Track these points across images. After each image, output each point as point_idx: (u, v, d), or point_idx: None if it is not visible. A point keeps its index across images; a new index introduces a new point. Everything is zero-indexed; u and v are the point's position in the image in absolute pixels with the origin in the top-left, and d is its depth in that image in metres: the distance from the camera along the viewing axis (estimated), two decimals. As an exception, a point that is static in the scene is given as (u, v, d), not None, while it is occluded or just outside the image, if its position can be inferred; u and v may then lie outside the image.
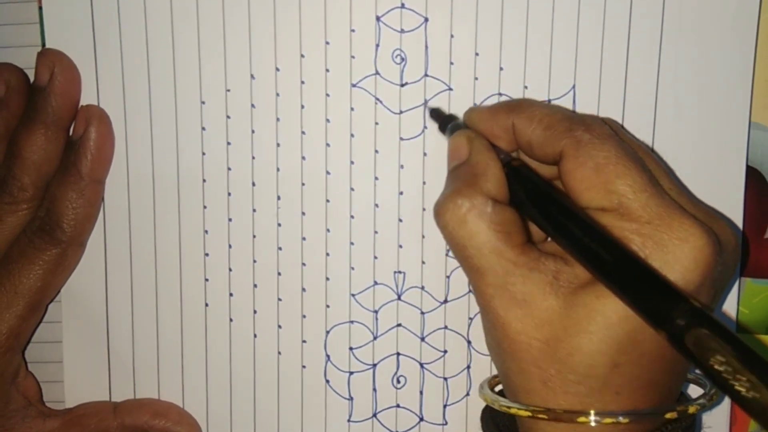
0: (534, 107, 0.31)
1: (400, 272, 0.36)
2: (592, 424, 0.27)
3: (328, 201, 0.36)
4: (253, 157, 0.36)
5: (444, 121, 0.34)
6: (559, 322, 0.27)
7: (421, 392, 0.37)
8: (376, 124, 0.35)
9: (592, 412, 0.27)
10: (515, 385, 0.29)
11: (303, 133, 0.36)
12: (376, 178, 0.36)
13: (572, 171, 0.28)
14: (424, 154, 0.35)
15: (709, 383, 0.30)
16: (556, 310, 0.27)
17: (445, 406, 0.37)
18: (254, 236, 0.36)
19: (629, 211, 0.27)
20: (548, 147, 0.29)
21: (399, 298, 0.36)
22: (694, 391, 0.32)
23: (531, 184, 0.30)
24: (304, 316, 0.37)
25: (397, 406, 0.37)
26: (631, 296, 0.25)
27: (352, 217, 0.36)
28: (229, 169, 0.36)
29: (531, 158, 0.31)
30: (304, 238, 0.36)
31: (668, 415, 0.27)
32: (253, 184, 0.36)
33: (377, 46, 0.35)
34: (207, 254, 0.36)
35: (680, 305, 0.24)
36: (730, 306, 0.36)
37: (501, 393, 0.31)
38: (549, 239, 0.30)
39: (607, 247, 0.26)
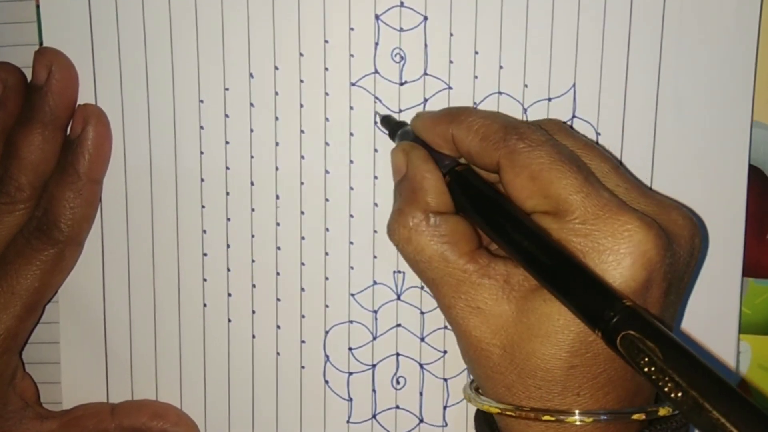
0: (471, 117, 0.30)
1: (399, 272, 0.36)
2: (577, 422, 0.27)
3: (327, 200, 0.36)
4: (252, 156, 0.36)
5: (394, 128, 0.34)
6: (514, 328, 0.28)
7: (420, 393, 0.37)
8: (376, 123, 0.35)
9: (577, 411, 0.27)
10: (485, 390, 0.29)
11: (302, 132, 0.35)
12: (376, 177, 0.35)
13: (510, 181, 0.28)
14: (424, 153, 0.35)
15: None
16: (509, 315, 0.28)
17: (445, 408, 0.37)
18: (253, 236, 0.36)
19: (567, 213, 0.27)
20: (486, 158, 0.29)
21: (398, 298, 0.36)
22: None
23: (473, 190, 0.30)
24: (303, 316, 0.36)
25: (397, 407, 0.37)
26: (568, 298, 0.26)
27: (351, 216, 0.36)
28: (227, 168, 0.36)
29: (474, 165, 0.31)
30: (303, 238, 0.36)
31: (635, 417, 0.27)
32: (252, 184, 0.36)
33: (376, 44, 0.35)
34: (205, 254, 0.36)
35: (612, 306, 0.24)
36: (732, 307, 0.36)
37: None
38: None
39: (544, 249, 0.26)
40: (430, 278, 0.30)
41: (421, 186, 0.30)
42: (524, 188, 0.28)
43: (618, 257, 0.26)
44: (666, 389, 0.22)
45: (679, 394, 0.22)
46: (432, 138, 0.32)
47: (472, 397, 0.30)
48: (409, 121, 0.34)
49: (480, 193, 0.30)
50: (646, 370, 0.23)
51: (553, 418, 0.27)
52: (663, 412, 0.28)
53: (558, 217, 0.27)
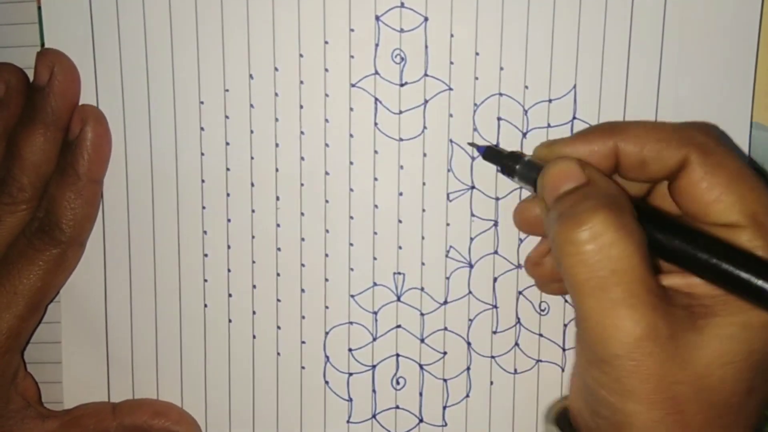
0: (638, 125, 0.29)
1: (399, 273, 0.36)
2: None
3: (327, 201, 0.36)
4: (252, 158, 0.36)
5: (508, 161, 0.32)
6: (699, 360, 0.26)
7: (420, 393, 0.37)
8: (376, 124, 0.35)
9: None
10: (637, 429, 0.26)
11: (302, 133, 0.35)
12: (376, 179, 0.35)
13: (699, 181, 0.27)
14: (424, 155, 0.35)
15: None
16: (696, 345, 0.26)
17: (444, 408, 0.37)
18: (253, 237, 0.36)
19: (764, 227, 0.26)
20: (666, 159, 0.27)
21: (398, 299, 0.36)
22: None
23: (657, 219, 0.28)
24: (303, 317, 0.36)
25: (397, 407, 0.37)
26: None
27: (351, 217, 0.36)
28: (228, 169, 0.36)
29: (631, 180, 0.30)
30: (303, 239, 0.36)
31: None
32: (252, 185, 0.36)
33: (377, 45, 0.35)
34: (206, 255, 0.36)
35: None
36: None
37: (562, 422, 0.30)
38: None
39: (759, 271, 0.25)
40: (620, 297, 0.25)
41: (623, 194, 0.28)
42: (717, 190, 0.26)
43: None
44: None
45: None
46: (585, 156, 0.29)
47: None
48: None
49: (666, 221, 0.27)
50: None
51: None
52: None
53: (754, 231, 0.26)
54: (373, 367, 0.37)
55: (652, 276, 0.26)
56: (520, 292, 0.36)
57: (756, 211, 0.26)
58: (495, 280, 0.36)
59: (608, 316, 0.25)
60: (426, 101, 0.35)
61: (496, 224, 0.36)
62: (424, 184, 0.35)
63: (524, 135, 0.35)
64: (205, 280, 0.36)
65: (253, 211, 0.36)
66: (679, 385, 0.25)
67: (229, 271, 0.36)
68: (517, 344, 0.36)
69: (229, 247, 0.36)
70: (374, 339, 0.36)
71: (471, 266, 0.36)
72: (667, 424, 0.26)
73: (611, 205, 0.26)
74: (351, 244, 0.36)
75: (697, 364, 0.26)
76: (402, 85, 0.35)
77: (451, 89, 0.35)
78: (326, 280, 0.36)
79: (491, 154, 0.33)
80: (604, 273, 0.25)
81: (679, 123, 0.29)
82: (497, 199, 0.35)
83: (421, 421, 0.37)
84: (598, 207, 0.26)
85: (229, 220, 0.36)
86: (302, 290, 0.36)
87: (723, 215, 0.26)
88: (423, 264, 0.36)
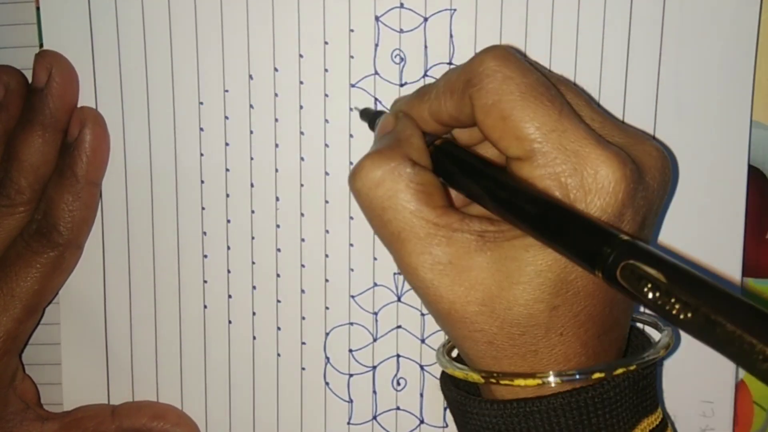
0: (435, 84, 0.30)
1: (400, 273, 0.36)
2: (552, 384, 0.27)
3: (327, 202, 0.36)
4: (252, 158, 0.36)
5: (373, 118, 0.33)
6: (491, 279, 0.27)
7: (421, 394, 0.37)
8: (358, 114, 0.35)
9: (550, 373, 0.27)
10: (464, 350, 0.29)
11: (302, 133, 0.35)
12: (376, 179, 0.35)
13: (481, 123, 0.27)
14: (424, 155, 0.35)
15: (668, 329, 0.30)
16: (484, 267, 0.27)
17: (445, 409, 0.37)
18: (253, 237, 0.36)
19: (543, 155, 0.26)
20: (465, 110, 0.28)
21: (399, 300, 0.36)
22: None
23: (453, 156, 0.29)
24: (303, 318, 0.36)
25: (398, 408, 0.37)
26: (562, 245, 0.25)
27: (351, 218, 0.36)
28: (227, 170, 0.36)
29: (465, 131, 0.31)
30: (303, 240, 0.36)
31: (595, 376, 0.27)
32: (252, 185, 0.36)
33: (376, 46, 0.35)
34: (206, 256, 0.36)
35: (608, 241, 0.23)
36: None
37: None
38: (471, 204, 0.30)
39: (530, 201, 0.26)
40: (395, 231, 0.27)
41: (408, 140, 0.29)
42: (496, 129, 0.27)
43: (599, 193, 0.26)
44: (674, 312, 0.21)
45: (689, 314, 0.21)
46: (417, 118, 0.31)
47: (445, 365, 0.29)
48: (387, 110, 0.34)
49: (459, 158, 0.29)
50: (650, 296, 0.22)
51: (536, 382, 0.27)
52: (620, 370, 0.27)
53: (535, 161, 0.26)
54: (374, 367, 0.37)
55: (431, 207, 0.27)
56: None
57: (531, 141, 0.26)
58: (495, 280, 0.36)
59: (392, 250, 0.28)
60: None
61: (496, 224, 0.36)
62: (424, 184, 0.35)
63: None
64: (205, 281, 0.36)
65: (252, 211, 0.36)
66: (471, 306, 0.27)
67: (228, 272, 0.36)
68: (517, 344, 0.36)
69: (228, 248, 0.36)
70: (375, 340, 0.36)
71: (471, 266, 0.36)
72: (473, 340, 0.27)
73: (383, 150, 0.28)
74: (351, 245, 0.36)
75: (483, 286, 0.27)
76: (402, 85, 0.35)
77: (450, 89, 0.35)
78: (326, 280, 0.36)
79: (364, 114, 0.35)
80: (380, 209, 0.28)
81: (467, 65, 0.28)
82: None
83: (422, 422, 0.37)
84: (370, 154, 0.28)
85: (228, 221, 0.36)
86: (302, 291, 0.36)
87: (509, 151, 0.27)
88: (423, 264, 0.36)
